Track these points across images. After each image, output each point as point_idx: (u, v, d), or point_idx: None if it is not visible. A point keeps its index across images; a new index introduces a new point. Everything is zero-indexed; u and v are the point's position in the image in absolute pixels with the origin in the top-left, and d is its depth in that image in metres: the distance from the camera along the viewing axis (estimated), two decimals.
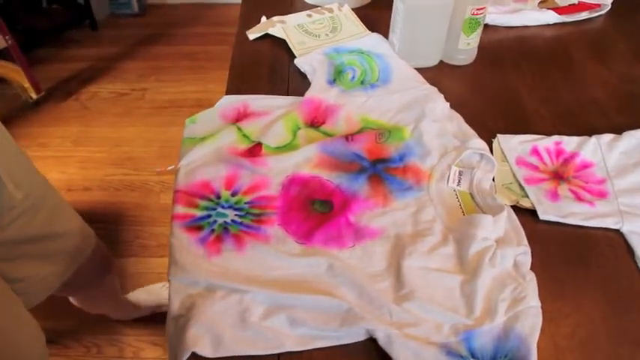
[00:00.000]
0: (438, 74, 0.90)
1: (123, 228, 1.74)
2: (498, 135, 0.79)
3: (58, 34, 2.45)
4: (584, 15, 1.09)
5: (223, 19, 2.59)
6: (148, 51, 2.47)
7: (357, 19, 0.97)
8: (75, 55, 2.45)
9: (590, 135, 0.82)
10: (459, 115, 0.80)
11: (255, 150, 0.73)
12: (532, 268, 0.63)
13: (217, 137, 0.74)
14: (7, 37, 1.95)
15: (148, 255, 1.67)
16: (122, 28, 2.61)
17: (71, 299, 1.25)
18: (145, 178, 1.90)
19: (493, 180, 0.73)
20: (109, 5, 2.65)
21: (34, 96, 2.13)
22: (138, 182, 1.89)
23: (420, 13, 0.85)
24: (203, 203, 0.67)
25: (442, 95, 0.82)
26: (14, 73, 2.06)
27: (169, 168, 1.90)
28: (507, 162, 0.76)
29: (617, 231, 0.70)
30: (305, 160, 0.72)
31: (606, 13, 1.11)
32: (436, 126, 0.76)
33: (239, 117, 0.78)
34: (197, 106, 2.14)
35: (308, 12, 0.98)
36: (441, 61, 0.93)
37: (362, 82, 0.84)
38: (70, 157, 1.98)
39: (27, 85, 2.09)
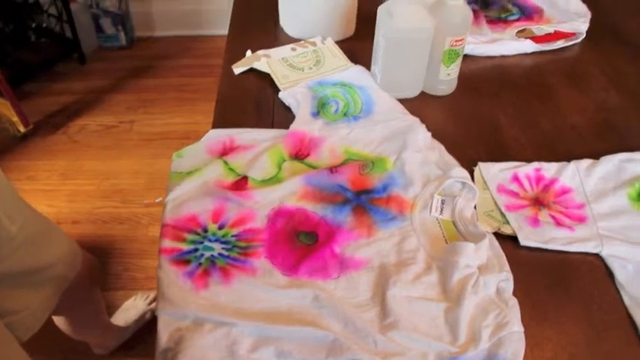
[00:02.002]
0: (419, 104, 0.92)
1: (111, 261, 1.74)
2: (479, 163, 0.81)
3: (47, 68, 2.46)
4: (560, 43, 1.12)
5: (210, 51, 2.62)
6: (135, 83, 2.49)
7: (340, 51, 1.00)
8: (63, 89, 2.47)
9: (569, 161, 0.84)
10: (440, 144, 0.82)
11: (241, 183, 0.74)
12: (514, 294, 0.64)
13: (204, 171, 0.75)
14: None
15: (136, 287, 1.66)
16: (110, 61, 2.64)
17: (56, 321, 1.24)
18: (133, 211, 1.90)
19: (475, 208, 0.75)
20: (96, 38, 2.68)
21: (22, 130, 2.14)
22: (126, 215, 1.89)
23: (400, 45, 0.87)
24: (190, 237, 0.68)
25: (424, 125, 0.84)
26: (2, 106, 2.07)
27: (157, 200, 1.91)
28: (488, 189, 0.78)
29: (597, 255, 0.72)
30: (290, 193, 0.73)
31: (581, 41, 1.14)
32: (418, 156, 0.78)
33: (225, 151, 0.79)
34: (185, 137, 2.16)
35: (292, 45, 1.01)
36: (423, 92, 0.95)
37: (345, 114, 0.86)
38: (59, 191, 1.98)
39: (15, 118, 2.10)
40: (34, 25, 2.43)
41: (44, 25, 2.48)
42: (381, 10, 0.87)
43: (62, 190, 1.99)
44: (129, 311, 1.56)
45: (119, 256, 1.76)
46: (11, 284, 0.90)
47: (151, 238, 1.81)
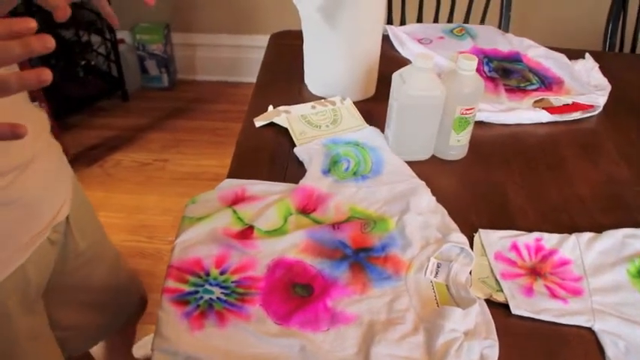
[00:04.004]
0: (428, 168, 0.95)
1: None
2: (480, 229, 0.83)
3: (91, 103, 2.59)
4: (576, 115, 1.14)
5: (245, 97, 2.68)
6: (172, 123, 2.58)
7: (357, 111, 1.04)
8: (104, 124, 2.58)
9: (571, 232, 0.85)
10: (443, 209, 0.85)
11: (247, 232, 0.78)
12: None
13: (213, 218, 0.79)
14: (42, 104, 2.08)
15: (154, 322, 1.69)
16: (151, 101, 2.75)
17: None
18: (157, 247, 1.95)
19: (470, 273, 0.76)
20: (140, 78, 2.80)
21: None
22: (150, 250, 1.94)
23: (411, 111, 0.91)
24: (192, 279, 0.72)
25: (429, 189, 0.87)
26: None
27: None
28: (486, 256, 0.80)
29: (589, 329, 0.73)
30: (292, 245, 0.76)
31: (598, 114, 1.16)
32: (420, 219, 0.81)
33: (236, 200, 0.83)
34: (214, 179, 2.19)
35: (312, 103, 1.05)
36: (433, 156, 0.98)
37: (355, 173, 0.89)
38: None
39: None
40: (83, 62, 2.57)
41: (93, 62, 2.61)
42: (395, 76, 0.91)
43: None
44: (147, 346, 1.57)
45: None
46: (71, 300, 0.94)
47: None
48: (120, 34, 2.60)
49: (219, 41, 2.75)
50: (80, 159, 2.35)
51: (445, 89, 0.89)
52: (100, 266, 0.96)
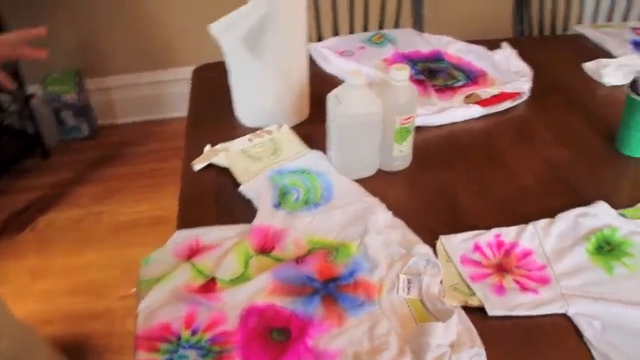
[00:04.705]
0: (377, 183, 0.95)
1: (90, 359, 1.70)
2: (441, 236, 0.83)
3: (10, 166, 2.46)
4: (506, 104, 1.17)
5: (173, 134, 2.64)
6: (101, 173, 2.49)
7: (296, 137, 1.03)
8: (28, 185, 2.45)
9: (527, 222, 0.87)
10: (402, 222, 0.85)
11: (209, 285, 0.75)
12: None
13: (172, 276, 0.76)
14: None
15: None
16: (73, 153, 2.64)
17: None
18: (108, 305, 1.87)
19: (441, 282, 0.76)
20: (58, 131, 2.69)
21: None
22: (101, 309, 1.86)
23: (352, 130, 0.90)
24: (164, 346, 0.68)
25: (384, 205, 0.87)
26: None
27: (133, 291, 1.88)
28: (452, 262, 0.80)
29: (564, 315, 0.74)
30: (259, 290, 0.74)
31: (526, 100, 1.20)
32: (380, 238, 0.80)
33: (192, 253, 0.80)
34: (155, 224, 2.15)
35: (249, 136, 1.03)
36: (379, 169, 0.98)
37: (306, 202, 0.88)
38: (29, 291, 1.95)
39: None
40: None
41: (5, 122, 2.49)
42: (330, 97, 0.91)
43: (33, 290, 1.95)
44: None
45: (98, 353, 1.72)
46: None
47: (129, 331, 1.76)
48: (31, 89, 2.49)
49: (135, 80, 2.68)
50: (9, 226, 2.23)
51: (381, 103, 0.89)
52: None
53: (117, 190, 2.38)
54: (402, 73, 0.89)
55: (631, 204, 0.92)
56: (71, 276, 2.00)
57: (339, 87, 0.91)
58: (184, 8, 2.49)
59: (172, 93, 2.67)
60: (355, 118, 0.89)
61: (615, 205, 0.89)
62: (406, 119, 0.92)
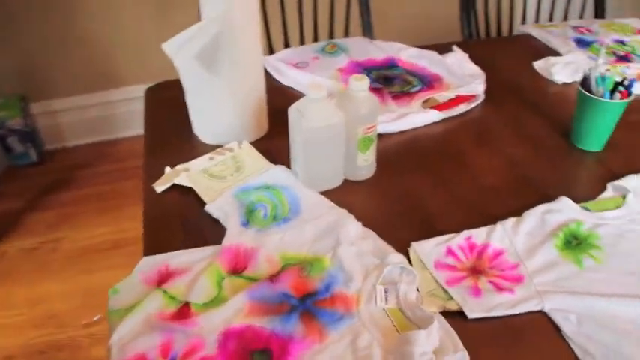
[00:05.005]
0: (344, 194, 0.94)
1: None
2: (413, 243, 0.84)
3: None
4: (463, 107, 1.19)
5: (125, 153, 2.59)
6: (55, 199, 2.41)
7: (258, 153, 1.01)
8: None
9: (495, 222, 0.88)
10: (372, 232, 0.84)
11: (183, 311, 0.73)
12: None
13: (143, 305, 0.73)
14: None
15: None
16: (23, 180, 2.55)
17: None
18: (71, 335, 1.81)
19: (418, 290, 0.76)
20: (6, 159, 2.59)
21: None
22: (65, 340, 1.79)
23: (315, 143, 0.90)
24: None
25: (352, 216, 0.86)
26: None
27: (96, 318, 1.83)
28: (427, 268, 0.80)
29: (541, 311, 0.75)
30: (235, 311, 0.72)
31: (482, 102, 1.22)
32: (353, 249, 0.80)
33: (162, 279, 0.78)
34: (115, 247, 2.09)
35: (210, 155, 1.01)
36: (345, 179, 0.97)
37: (274, 218, 0.87)
38: None
39: None
40: None
41: None
42: (292, 111, 0.90)
43: None
44: None
45: None
46: None
47: (95, 359, 1.72)
48: None
49: (83, 102, 2.60)
50: None
51: (343, 114, 0.89)
52: None
53: (72, 215, 2.31)
54: (362, 83, 0.89)
55: (591, 197, 0.95)
56: (31, 307, 1.92)
57: (300, 100, 0.90)
58: (128, 26, 2.44)
59: (123, 112, 2.61)
60: (319, 131, 0.88)
61: (577, 200, 0.92)
62: (369, 129, 0.92)
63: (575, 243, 0.85)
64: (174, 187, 0.96)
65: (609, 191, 0.96)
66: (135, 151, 2.62)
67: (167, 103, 1.20)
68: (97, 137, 2.70)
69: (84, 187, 2.47)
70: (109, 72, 2.56)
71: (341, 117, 0.88)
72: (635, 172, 0.97)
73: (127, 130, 2.64)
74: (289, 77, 1.30)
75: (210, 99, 1.03)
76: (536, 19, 1.87)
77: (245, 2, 0.95)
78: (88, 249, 2.14)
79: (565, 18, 1.89)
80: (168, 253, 0.82)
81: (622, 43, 1.48)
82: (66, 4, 2.35)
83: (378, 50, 1.40)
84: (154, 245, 0.85)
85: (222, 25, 0.93)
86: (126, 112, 2.61)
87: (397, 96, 1.21)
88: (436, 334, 0.68)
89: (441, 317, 0.72)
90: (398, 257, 0.79)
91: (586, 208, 0.91)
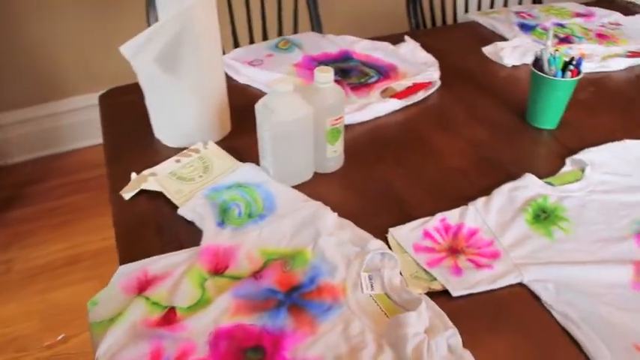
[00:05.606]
0: (315, 186, 0.94)
1: None
2: (390, 229, 0.85)
3: None
4: (421, 95, 1.21)
5: (77, 165, 2.50)
6: (3, 218, 2.32)
7: (225, 152, 1.00)
8: None
9: (466, 203, 0.90)
10: (349, 221, 0.85)
11: (169, 316, 0.71)
12: (463, 345, 0.67)
13: (127, 314, 0.72)
14: None
15: None
16: None
17: None
18: (35, 357, 1.74)
19: (401, 273, 0.77)
20: None
21: None
22: None
23: (285, 137, 0.89)
24: None
25: (328, 207, 0.86)
26: None
27: (60, 338, 1.77)
28: (407, 252, 0.81)
29: (520, 283, 0.78)
30: (222, 312, 0.71)
31: (438, 88, 1.24)
32: (333, 239, 0.80)
33: (142, 286, 0.76)
34: (72, 263, 2.03)
35: (176, 157, 1.00)
36: (315, 172, 0.98)
37: (249, 216, 0.86)
38: None
39: None
40: None
41: None
42: (259, 107, 0.89)
43: None
44: None
45: None
46: None
47: None
48: None
49: (26, 115, 2.50)
50: None
51: (311, 107, 0.89)
52: None
53: (23, 233, 2.22)
54: (327, 75, 0.90)
55: (552, 172, 0.98)
56: None
57: (266, 96, 0.90)
58: (68, 34, 2.36)
59: (70, 124, 2.53)
60: (288, 125, 0.88)
61: (539, 175, 0.95)
62: (336, 120, 0.92)
63: (544, 216, 0.88)
64: (143, 192, 0.94)
65: (568, 165, 1.00)
66: (85, 162, 2.56)
67: (124, 109, 1.17)
68: (44, 151, 2.61)
69: (34, 203, 2.38)
70: (54, 83, 2.47)
71: (309, 109, 0.88)
72: (588, 146, 1.02)
73: (75, 142, 2.56)
74: (245, 76, 1.29)
75: (171, 100, 1.01)
76: (479, 7, 1.92)
77: None
78: (44, 267, 2.07)
79: (505, 4, 1.95)
80: (146, 260, 0.80)
81: (562, 25, 1.54)
82: (4, 14, 2.26)
83: (331, 44, 1.40)
84: (129, 254, 0.83)
85: (182, 24, 0.92)
86: (72, 124, 2.53)
87: (356, 87, 1.22)
88: (426, 315, 0.69)
89: (428, 298, 0.73)
90: (377, 244, 0.79)
91: (550, 183, 0.94)
